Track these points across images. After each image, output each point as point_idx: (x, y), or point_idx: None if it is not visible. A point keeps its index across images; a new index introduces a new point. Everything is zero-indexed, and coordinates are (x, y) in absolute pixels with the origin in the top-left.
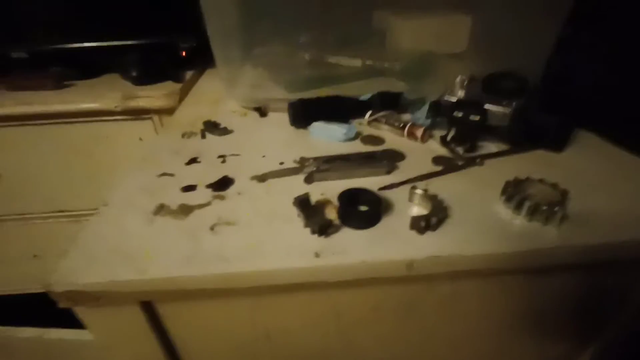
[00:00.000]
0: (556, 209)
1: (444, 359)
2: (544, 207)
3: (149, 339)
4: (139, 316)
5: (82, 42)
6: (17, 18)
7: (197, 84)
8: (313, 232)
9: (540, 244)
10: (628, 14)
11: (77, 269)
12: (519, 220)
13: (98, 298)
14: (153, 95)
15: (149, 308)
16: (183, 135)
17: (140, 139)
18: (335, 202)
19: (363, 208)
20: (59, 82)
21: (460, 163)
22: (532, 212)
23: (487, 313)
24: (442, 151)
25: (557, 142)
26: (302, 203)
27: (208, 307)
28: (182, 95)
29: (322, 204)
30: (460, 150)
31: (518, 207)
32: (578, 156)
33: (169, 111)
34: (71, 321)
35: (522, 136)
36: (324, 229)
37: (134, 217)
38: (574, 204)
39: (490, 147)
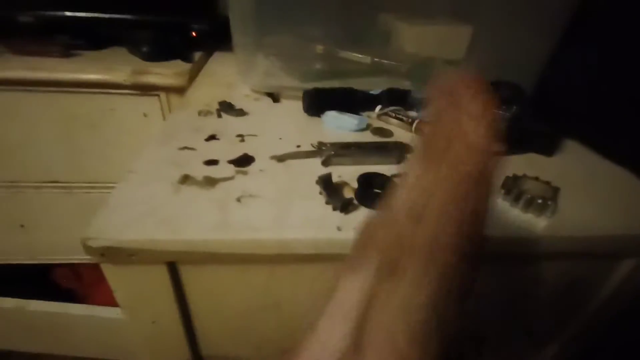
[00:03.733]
0: (549, 202)
1: None
2: (539, 201)
3: (169, 299)
4: (163, 276)
5: (93, 12)
6: None
7: (206, 66)
8: (335, 208)
9: (533, 232)
10: (617, 33)
11: (112, 226)
12: (515, 211)
13: (132, 255)
14: (164, 73)
15: (173, 269)
16: (199, 114)
17: (145, 115)
18: (351, 184)
19: (378, 191)
20: (66, 51)
21: None
22: (528, 205)
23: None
24: None
25: (548, 147)
26: (325, 181)
27: (227, 272)
28: (192, 75)
29: (341, 185)
30: None
31: (516, 199)
32: (564, 160)
33: (178, 90)
34: (53, 293)
35: (516, 140)
36: (346, 206)
37: (161, 185)
38: (563, 201)
39: None
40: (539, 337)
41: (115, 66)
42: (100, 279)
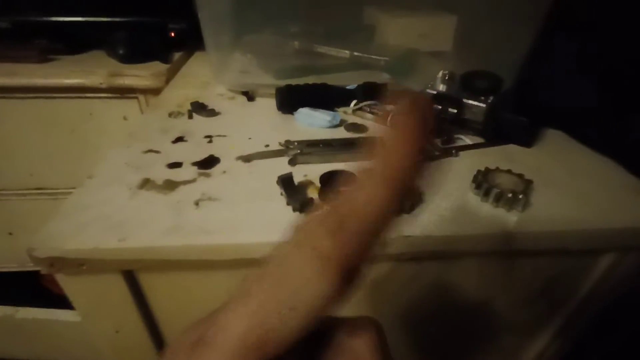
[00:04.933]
0: (520, 196)
1: (402, 337)
2: (509, 195)
3: (130, 308)
4: (120, 285)
5: (70, 15)
6: None
7: (185, 66)
8: (294, 209)
9: (503, 229)
10: (600, 23)
11: (60, 235)
12: (486, 206)
13: (81, 264)
14: (140, 75)
15: (130, 277)
16: (170, 115)
17: (125, 118)
18: (317, 184)
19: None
20: (44, 56)
21: (437, 153)
22: (498, 199)
23: (447, 294)
24: None
25: (526, 138)
26: (285, 182)
27: (187, 278)
28: (169, 76)
29: (305, 185)
30: (437, 141)
31: (486, 194)
32: (545, 152)
33: (155, 91)
34: (43, 301)
35: (494, 131)
36: (304, 206)
37: (118, 189)
38: (537, 194)
39: (466, 140)
40: (522, 334)
41: (92, 69)
42: None
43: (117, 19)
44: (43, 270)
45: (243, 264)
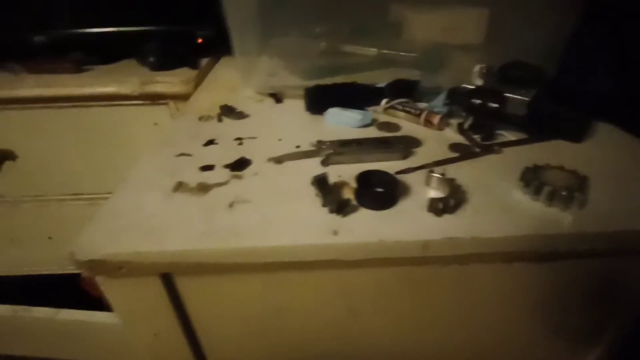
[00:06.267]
0: (575, 194)
1: (450, 341)
2: (563, 192)
3: (167, 311)
4: (158, 288)
5: (102, 27)
6: (39, 3)
7: (213, 71)
8: (331, 210)
9: (559, 229)
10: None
11: (99, 239)
12: (537, 205)
13: (120, 268)
14: (170, 81)
15: (168, 281)
16: (200, 119)
17: (156, 124)
18: (352, 184)
19: (379, 189)
20: (79, 67)
21: (477, 150)
22: (551, 197)
23: (496, 299)
24: (459, 138)
25: (576, 132)
26: (320, 182)
27: (222, 281)
28: (198, 81)
29: (339, 185)
30: (477, 138)
31: (537, 192)
32: (597, 147)
33: (185, 97)
34: (82, 303)
35: (539, 126)
36: (342, 207)
37: (153, 193)
38: (593, 192)
39: (507, 135)
40: (576, 342)
41: (124, 78)
42: None
43: (147, 29)
44: (84, 273)
45: (278, 267)
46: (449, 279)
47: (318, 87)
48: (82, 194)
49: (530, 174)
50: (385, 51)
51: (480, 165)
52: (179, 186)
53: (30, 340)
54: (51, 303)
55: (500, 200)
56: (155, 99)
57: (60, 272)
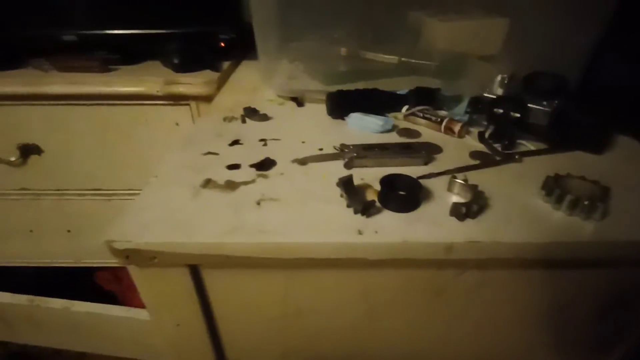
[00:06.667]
0: (598, 204)
1: (469, 346)
2: (586, 202)
3: (192, 302)
4: (185, 278)
5: (128, 29)
6: (69, 3)
7: (234, 74)
8: (356, 211)
9: (580, 237)
10: None
11: (133, 229)
12: (559, 214)
13: (153, 257)
14: (192, 82)
15: (195, 272)
16: (224, 120)
17: (177, 124)
18: (375, 187)
19: (403, 192)
20: (105, 66)
21: (498, 159)
22: (573, 206)
23: (513, 305)
24: (480, 147)
25: (596, 144)
26: (346, 183)
27: (247, 276)
28: (220, 83)
29: (363, 187)
30: (498, 146)
31: (558, 201)
32: (617, 159)
33: (207, 98)
34: (95, 296)
35: (561, 136)
36: (367, 208)
37: (182, 189)
38: (614, 202)
39: (528, 145)
40: (593, 351)
41: (149, 78)
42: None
43: (171, 31)
44: (120, 262)
45: (302, 264)
46: (468, 284)
47: (340, 92)
48: (101, 190)
49: (552, 182)
50: (405, 59)
51: (502, 174)
52: (207, 183)
53: (45, 331)
54: (65, 296)
55: (521, 207)
56: (177, 99)
57: (75, 264)
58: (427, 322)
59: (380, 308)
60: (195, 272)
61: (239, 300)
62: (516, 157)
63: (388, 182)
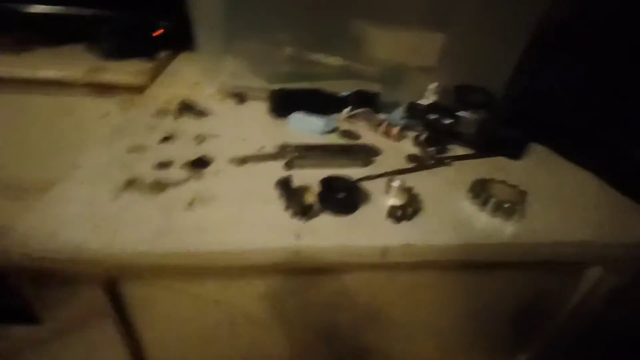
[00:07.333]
0: (517, 207)
1: (401, 349)
2: (507, 205)
3: (109, 324)
4: (99, 296)
5: (49, 4)
6: None
7: (171, 66)
8: (294, 213)
9: (502, 238)
10: (588, 41)
11: (40, 233)
12: (483, 216)
13: (62, 270)
14: (123, 71)
15: (112, 289)
16: (157, 113)
17: (103, 116)
18: (314, 188)
19: (342, 195)
20: (20, 45)
21: (431, 162)
22: (496, 209)
23: (440, 305)
24: (414, 150)
25: (517, 151)
26: (285, 185)
27: (176, 288)
28: (154, 74)
29: (302, 189)
30: (431, 150)
31: (484, 204)
32: (532, 164)
33: (139, 89)
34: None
35: (485, 143)
36: (306, 211)
37: (103, 188)
38: (529, 206)
39: (457, 150)
40: (504, 349)
41: (72, 62)
42: None
43: (102, 12)
44: (13, 277)
45: (238, 271)
46: (397, 287)
47: (283, 91)
48: (12, 187)
49: (478, 186)
50: (347, 62)
51: (434, 177)
52: (133, 182)
53: None
54: None
55: (451, 209)
56: (105, 89)
57: None
58: (363, 325)
59: (320, 315)
60: (112, 287)
61: (167, 313)
62: (447, 161)
63: (328, 184)
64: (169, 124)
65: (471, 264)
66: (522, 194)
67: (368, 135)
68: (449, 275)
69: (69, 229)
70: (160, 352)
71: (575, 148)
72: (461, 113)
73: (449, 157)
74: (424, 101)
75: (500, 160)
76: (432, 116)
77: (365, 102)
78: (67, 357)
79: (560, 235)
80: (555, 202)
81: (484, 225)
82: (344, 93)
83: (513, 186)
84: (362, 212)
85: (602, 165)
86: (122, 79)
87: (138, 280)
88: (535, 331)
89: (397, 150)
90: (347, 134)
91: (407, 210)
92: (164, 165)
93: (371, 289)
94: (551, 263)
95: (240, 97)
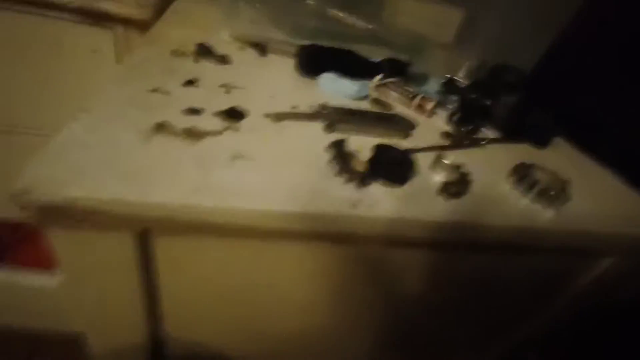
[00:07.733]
0: (561, 195)
1: (421, 324)
2: (552, 192)
3: (131, 272)
4: (128, 246)
5: None
6: None
7: (177, 3)
8: (349, 179)
9: (543, 223)
10: (625, 28)
11: (60, 179)
12: (525, 201)
13: (88, 217)
14: (123, 1)
15: (143, 239)
16: (173, 53)
17: (95, 51)
18: (359, 156)
19: (396, 165)
20: None
21: (466, 142)
22: (541, 194)
23: (470, 284)
24: (446, 128)
25: (546, 138)
26: (339, 149)
27: (209, 246)
28: (159, 10)
29: (351, 155)
30: (465, 130)
31: (529, 189)
32: (555, 154)
33: (139, 25)
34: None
35: (515, 128)
36: (363, 179)
37: (126, 131)
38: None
39: (487, 132)
40: (497, 330)
41: None
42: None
43: None
44: (34, 222)
45: (277, 234)
46: (428, 264)
47: (314, 47)
48: None
49: (521, 170)
50: (376, 27)
51: (471, 156)
52: (161, 128)
53: None
54: None
55: (494, 191)
56: (98, 18)
57: None
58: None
59: (343, 287)
60: (143, 238)
61: (192, 271)
62: (482, 142)
63: (381, 153)
64: (189, 68)
65: (500, 245)
66: (564, 183)
67: (400, 107)
68: (483, 257)
69: (92, 179)
70: (177, 307)
71: (601, 143)
72: (501, 95)
73: (483, 139)
74: (460, 78)
75: (527, 147)
76: (473, 95)
77: (397, 71)
78: (77, 302)
79: (589, 224)
80: (585, 191)
81: (525, 209)
82: (376, 59)
83: (554, 173)
84: (412, 185)
85: (630, 161)
86: (120, 10)
87: (169, 233)
88: (530, 316)
89: (431, 126)
90: (378, 103)
91: (459, 188)
92: (193, 111)
93: (415, 267)
94: (575, 250)
95: (262, 48)
